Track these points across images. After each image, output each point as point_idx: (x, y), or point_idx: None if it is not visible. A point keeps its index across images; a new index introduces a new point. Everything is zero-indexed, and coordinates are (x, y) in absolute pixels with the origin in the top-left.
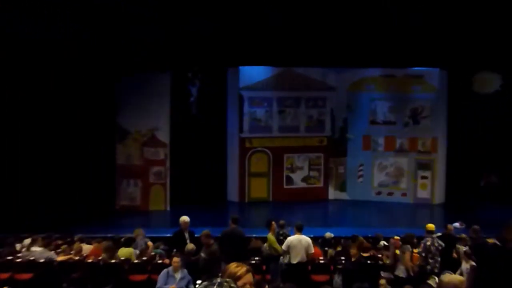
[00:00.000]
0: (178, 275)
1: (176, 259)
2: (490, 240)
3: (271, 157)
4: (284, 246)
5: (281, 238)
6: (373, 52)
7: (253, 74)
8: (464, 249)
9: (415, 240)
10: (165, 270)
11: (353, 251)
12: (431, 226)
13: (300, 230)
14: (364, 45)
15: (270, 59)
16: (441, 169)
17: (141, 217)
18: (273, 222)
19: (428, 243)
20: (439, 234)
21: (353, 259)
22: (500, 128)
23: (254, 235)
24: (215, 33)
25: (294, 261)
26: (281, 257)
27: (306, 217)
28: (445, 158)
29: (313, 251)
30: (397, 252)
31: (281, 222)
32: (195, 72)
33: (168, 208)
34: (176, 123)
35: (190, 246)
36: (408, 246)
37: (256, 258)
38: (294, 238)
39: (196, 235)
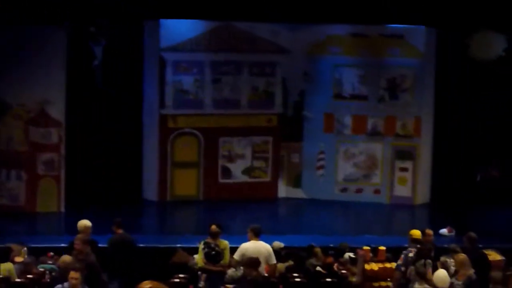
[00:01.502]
0: None
1: (74, 275)
2: (490, 253)
3: (203, 141)
4: (236, 255)
5: (206, 250)
6: (339, 4)
7: (179, 30)
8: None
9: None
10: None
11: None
12: (416, 233)
13: (257, 234)
14: None
15: (202, 10)
16: (425, 159)
17: (26, 221)
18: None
19: (411, 255)
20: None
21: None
22: (504, 105)
23: (179, 245)
24: None
25: None
26: (230, 270)
27: (249, 221)
28: (431, 145)
29: (274, 261)
30: (367, 266)
31: (214, 228)
32: (100, 26)
33: (63, 209)
34: (74, 95)
35: (65, 258)
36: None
37: (181, 276)
38: (251, 246)
39: (100, 245)
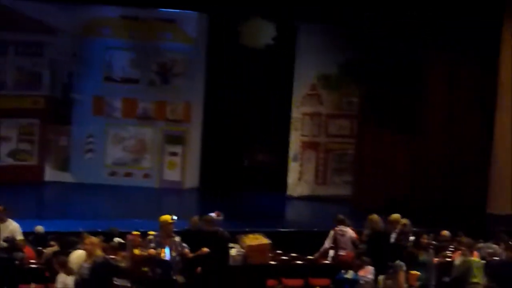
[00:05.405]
0: None
1: None
2: (257, 237)
3: None
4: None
5: None
6: None
7: None
8: None
9: None
10: None
11: None
12: (166, 217)
13: None
14: None
15: None
16: (195, 144)
17: None
18: None
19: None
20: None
21: None
22: (271, 92)
23: None
24: None
25: None
26: None
27: (13, 206)
28: (200, 130)
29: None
30: (137, 251)
31: None
32: None
33: None
34: None
35: None
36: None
37: None
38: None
39: None
